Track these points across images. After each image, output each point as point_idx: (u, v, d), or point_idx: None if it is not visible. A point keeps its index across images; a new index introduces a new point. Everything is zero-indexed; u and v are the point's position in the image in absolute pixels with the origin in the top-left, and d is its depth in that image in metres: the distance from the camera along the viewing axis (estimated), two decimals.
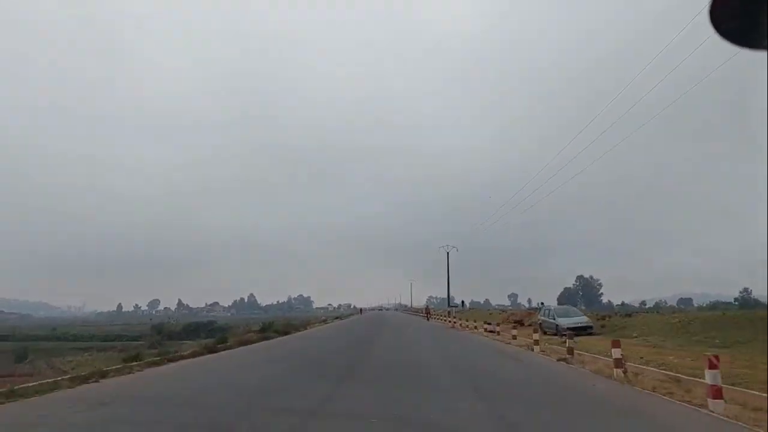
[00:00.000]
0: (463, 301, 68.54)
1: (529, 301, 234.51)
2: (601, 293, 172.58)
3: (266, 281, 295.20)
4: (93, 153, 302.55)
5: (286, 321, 39.48)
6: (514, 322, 27.91)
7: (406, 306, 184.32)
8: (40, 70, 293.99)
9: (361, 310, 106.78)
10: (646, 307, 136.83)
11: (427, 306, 67.26)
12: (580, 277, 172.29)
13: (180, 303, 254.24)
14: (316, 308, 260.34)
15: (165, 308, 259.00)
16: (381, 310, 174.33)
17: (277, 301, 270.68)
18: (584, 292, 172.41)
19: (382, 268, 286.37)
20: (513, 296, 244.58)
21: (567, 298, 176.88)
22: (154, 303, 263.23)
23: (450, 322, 34.88)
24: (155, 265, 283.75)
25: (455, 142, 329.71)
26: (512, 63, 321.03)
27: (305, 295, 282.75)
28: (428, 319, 54.56)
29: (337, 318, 59.28)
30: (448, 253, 62.60)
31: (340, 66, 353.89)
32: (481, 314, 50.78)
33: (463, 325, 30.84)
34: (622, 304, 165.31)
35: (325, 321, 46.69)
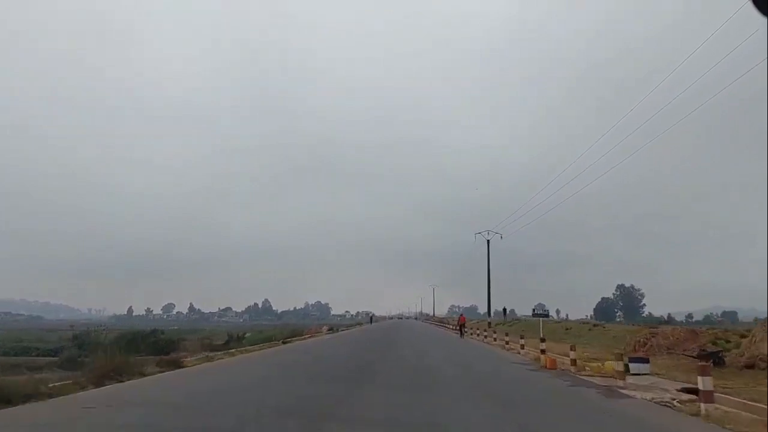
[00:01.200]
0: (506, 309, 51.11)
1: (558, 312, 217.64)
2: (644, 304, 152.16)
3: (283, 286, 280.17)
4: (106, 150, 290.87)
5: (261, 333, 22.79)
6: (700, 358, 10.87)
7: (428, 315, 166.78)
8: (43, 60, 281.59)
9: (371, 318, 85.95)
10: (694, 320, 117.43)
11: (462, 315, 49.16)
12: (620, 287, 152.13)
13: (191, 307, 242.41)
14: (333, 315, 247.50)
15: (177, 312, 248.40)
16: (401, 318, 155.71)
17: (294, 308, 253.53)
18: (624, 303, 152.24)
19: (403, 274, 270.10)
20: (539, 308, 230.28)
21: (604, 309, 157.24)
22: (169, 307, 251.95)
23: (520, 347, 17.05)
24: (176, 269, 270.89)
25: (481, 140, 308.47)
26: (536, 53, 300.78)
27: (323, 302, 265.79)
28: (462, 335, 37.09)
29: (330, 330, 42.18)
30: (488, 241, 45.43)
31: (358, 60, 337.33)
32: (544, 329, 32.98)
33: (578, 361, 12.94)
34: (670, 317, 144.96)
35: (292, 339, 29.42)
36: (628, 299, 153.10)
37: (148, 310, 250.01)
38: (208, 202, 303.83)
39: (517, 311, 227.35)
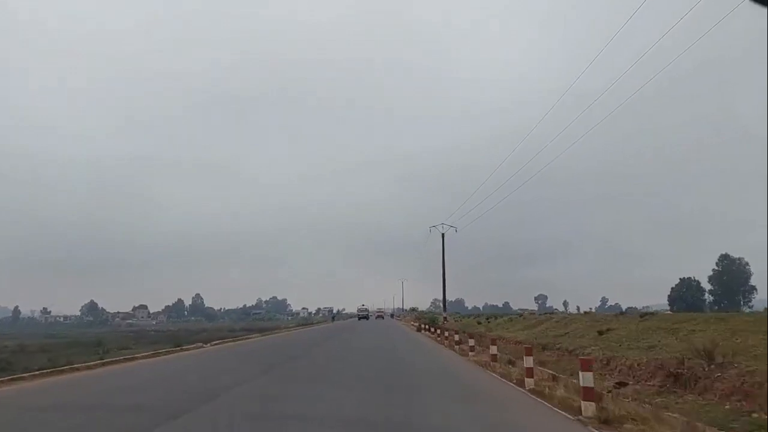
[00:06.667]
0: None
1: (566, 303, 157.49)
2: (754, 288, 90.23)
3: (229, 280, 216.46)
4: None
5: None
6: None
7: (414, 309, 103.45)
8: None
9: None
10: None
11: None
12: (724, 258, 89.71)
13: (92, 305, 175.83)
14: (290, 313, 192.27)
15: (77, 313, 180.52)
16: (366, 317, 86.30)
17: (244, 305, 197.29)
18: (726, 285, 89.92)
19: (378, 264, 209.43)
20: (541, 298, 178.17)
21: (683, 296, 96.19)
22: (91, 306, 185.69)
23: None
24: (107, 261, 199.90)
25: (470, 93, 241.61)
26: None
27: (280, 298, 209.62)
28: None
29: None
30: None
31: None
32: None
33: None
34: None
35: None
36: (730, 277, 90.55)
37: (45, 311, 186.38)
38: (133, 175, 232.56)
39: (511, 304, 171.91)
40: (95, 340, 35.23)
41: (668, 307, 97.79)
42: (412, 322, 45.51)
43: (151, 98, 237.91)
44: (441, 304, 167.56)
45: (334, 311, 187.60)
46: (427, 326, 27.27)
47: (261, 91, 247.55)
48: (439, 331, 19.15)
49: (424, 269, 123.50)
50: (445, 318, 37.10)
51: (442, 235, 38.44)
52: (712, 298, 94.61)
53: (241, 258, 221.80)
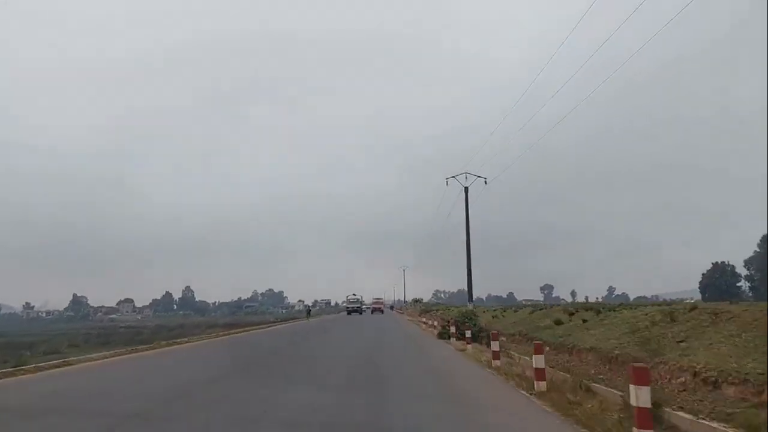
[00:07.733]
0: None
1: (573, 294, 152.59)
2: None
3: (225, 272, 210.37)
4: None
5: None
6: None
7: (418, 301, 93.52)
8: None
9: None
10: None
11: None
12: (766, 239, 79.26)
13: (75, 299, 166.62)
14: (286, 306, 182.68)
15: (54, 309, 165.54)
16: (358, 310, 73.82)
17: (239, 298, 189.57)
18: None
19: (379, 254, 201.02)
20: (547, 288, 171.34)
21: (717, 284, 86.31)
22: (75, 300, 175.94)
23: None
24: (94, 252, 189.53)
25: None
26: None
27: (276, 290, 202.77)
28: None
29: None
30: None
31: None
32: None
33: None
34: None
35: None
36: None
37: (27, 305, 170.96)
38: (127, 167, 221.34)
39: (516, 295, 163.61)
40: (38, 340, 31.24)
41: (699, 295, 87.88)
42: (423, 319, 34.79)
43: (137, 84, 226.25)
44: (443, 296, 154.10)
45: (332, 303, 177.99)
46: (460, 331, 15.55)
47: (255, 79, 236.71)
48: (537, 364, 6.88)
49: (424, 260, 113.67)
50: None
51: (465, 189, 27.71)
52: (748, 284, 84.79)
53: (237, 250, 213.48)
